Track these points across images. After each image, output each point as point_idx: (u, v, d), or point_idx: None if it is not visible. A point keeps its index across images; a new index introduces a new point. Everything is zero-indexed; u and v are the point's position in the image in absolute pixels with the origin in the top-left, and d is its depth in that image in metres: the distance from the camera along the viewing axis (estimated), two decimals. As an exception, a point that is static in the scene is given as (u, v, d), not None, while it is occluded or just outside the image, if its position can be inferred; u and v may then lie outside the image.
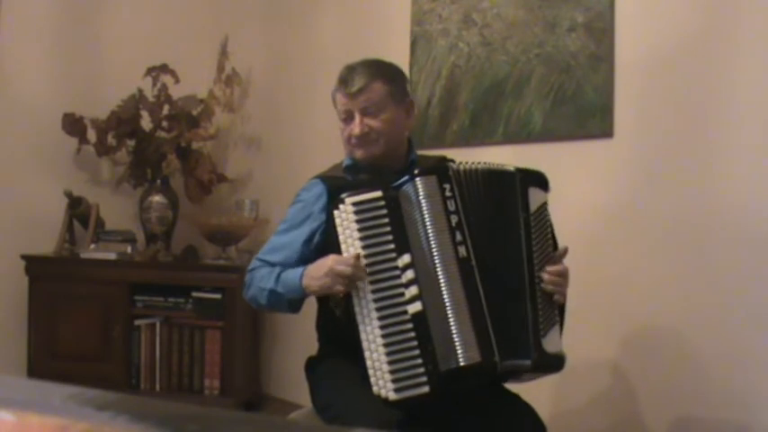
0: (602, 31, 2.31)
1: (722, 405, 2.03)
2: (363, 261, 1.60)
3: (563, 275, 1.70)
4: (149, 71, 3.47)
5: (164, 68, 3.46)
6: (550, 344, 1.65)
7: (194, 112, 3.54)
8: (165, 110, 3.52)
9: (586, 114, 2.35)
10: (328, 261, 1.63)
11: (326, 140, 3.28)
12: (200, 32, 3.76)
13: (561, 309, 1.74)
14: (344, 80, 1.80)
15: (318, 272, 1.65)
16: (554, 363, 1.67)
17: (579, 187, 2.36)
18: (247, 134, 3.77)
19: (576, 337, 1.95)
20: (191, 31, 3.77)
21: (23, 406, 0.47)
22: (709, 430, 2.06)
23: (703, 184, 2.10)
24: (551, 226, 1.75)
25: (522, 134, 2.53)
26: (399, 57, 2.48)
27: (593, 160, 2.36)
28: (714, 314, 2.06)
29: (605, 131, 2.31)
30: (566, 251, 1.74)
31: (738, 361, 2.01)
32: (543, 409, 1.82)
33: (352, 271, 1.58)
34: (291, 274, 1.73)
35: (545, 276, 1.67)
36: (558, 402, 2.39)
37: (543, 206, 1.73)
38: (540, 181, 1.75)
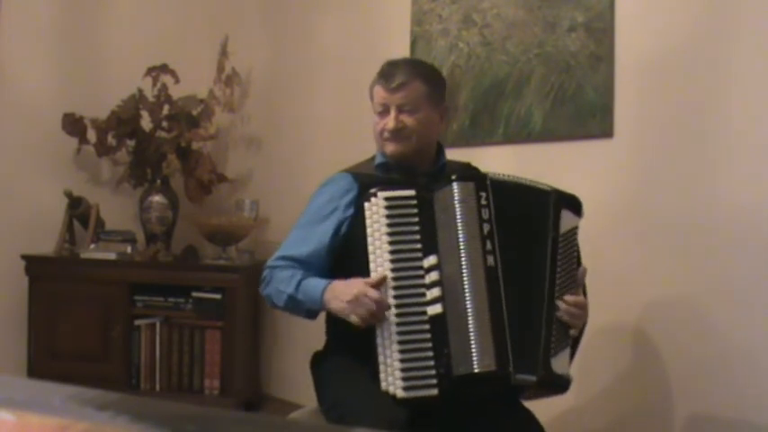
0: (602, 31, 2.31)
1: (724, 405, 2.03)
2: (391, 283, 1.59)
3: (580, 307, 1.69)
4: (149, 71, 3.46)
5: (164, 68, 3.46)
6: (558, 365, 1.64)
7: (194, 112, 3.53)
8: (165, 110, 3.52)
9: (586, 114, 2.35)
10: (356, 287, 1.59)
11: (326, 140, 3.28)
12: (200, 32, 3.76)
13: (576, 340, 1.73)
14: (386, 74, 1.82)
15: (344, 294, 1.61)
16: (560, 383, 1.66)
17: (579, 187, 2.33)
18: (247, 134, 3.77)
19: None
20: (191, 31, 3.77)
21: (23, 406, 0.47)
22: (711, 430, 2.06)
23: (703, 183, 2.10)
24: (578, 251, 1.75)
25: (522, 134, 2.53)
26: (399, 57, 2.48)
27: (592, 160, 2.36)
28: (715, 314, 2.06)
29: (605, 131, 2.31)
30: (584, 272, 1.74)
31: (739, 361, 2.01)
32: (544, 410, 1.82)
33: (376, 306, 1.56)
34: (313, 284, 1.69)
35: (562, 305, 1.66)
36: (559, 403, 2.38)
37: (573, 230, 1.73)
38: (574, 205, 1.75)
